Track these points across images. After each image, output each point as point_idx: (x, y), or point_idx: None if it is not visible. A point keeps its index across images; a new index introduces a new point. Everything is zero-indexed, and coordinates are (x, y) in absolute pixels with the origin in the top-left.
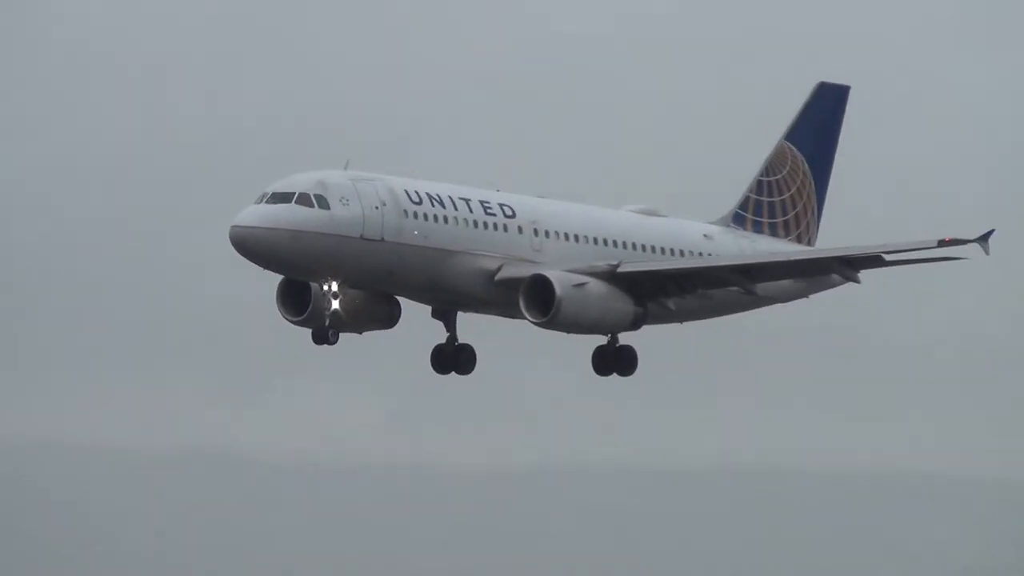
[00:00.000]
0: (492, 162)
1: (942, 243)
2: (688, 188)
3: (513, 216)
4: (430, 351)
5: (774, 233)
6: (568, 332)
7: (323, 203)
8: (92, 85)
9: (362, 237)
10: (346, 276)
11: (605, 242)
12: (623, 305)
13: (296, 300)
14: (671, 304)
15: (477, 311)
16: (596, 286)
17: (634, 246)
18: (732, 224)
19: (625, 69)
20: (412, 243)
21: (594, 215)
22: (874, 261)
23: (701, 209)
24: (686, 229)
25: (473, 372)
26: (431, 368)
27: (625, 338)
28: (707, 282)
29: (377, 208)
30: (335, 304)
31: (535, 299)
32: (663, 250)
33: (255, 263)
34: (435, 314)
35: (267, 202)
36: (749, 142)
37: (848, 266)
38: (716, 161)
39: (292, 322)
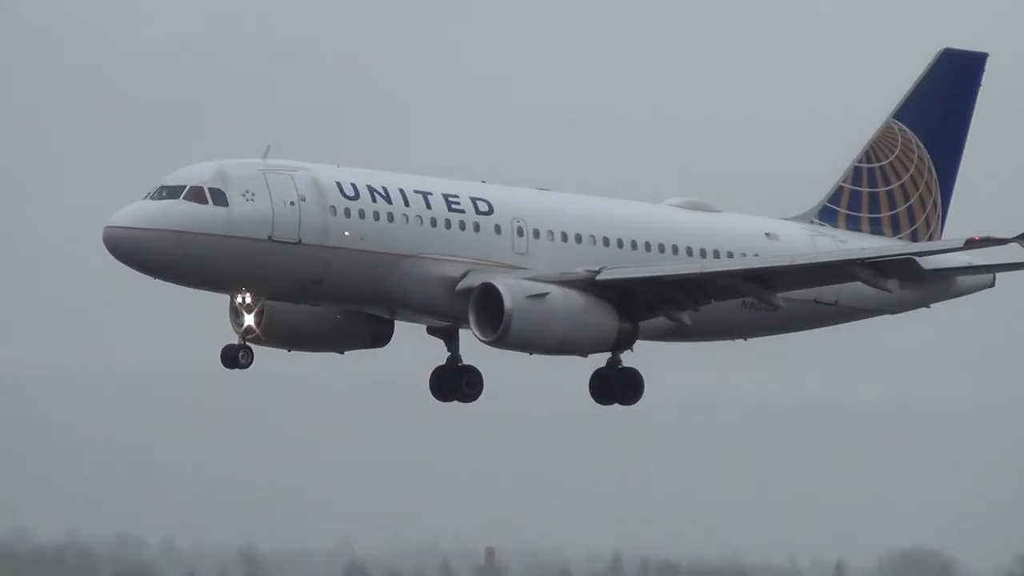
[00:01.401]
0: (516, 155)
1: (971, 243)
2: (772, 176)
3: (489, 212)
4: (429, 374)
5: (876, 230)
6: (529, 352)
7: (220, 198)
8: None
9: (271, 239)
10: (256, 286)
11: (619, 243)
12: (602, 320)
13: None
14: (685, 318)
15: (441, 324)
16: (564, 297)
17: (660, 248)
18: (817, 220)
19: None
20: (343, 246)
21: (604, 210)
22: (906, 268)
23: (788, 202)
24: (741, 226)
25: (478, 399)
26: (431, 394)
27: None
28: (713, 291)
29: (292, 204)
30: (248, 319)
31: (486, 313)
32: (702, 252)
33: (137, 270)
34: (432, 330)
35: (153, 197)
36: (845, 123)
37: (877, 273)
38: (801, 148)
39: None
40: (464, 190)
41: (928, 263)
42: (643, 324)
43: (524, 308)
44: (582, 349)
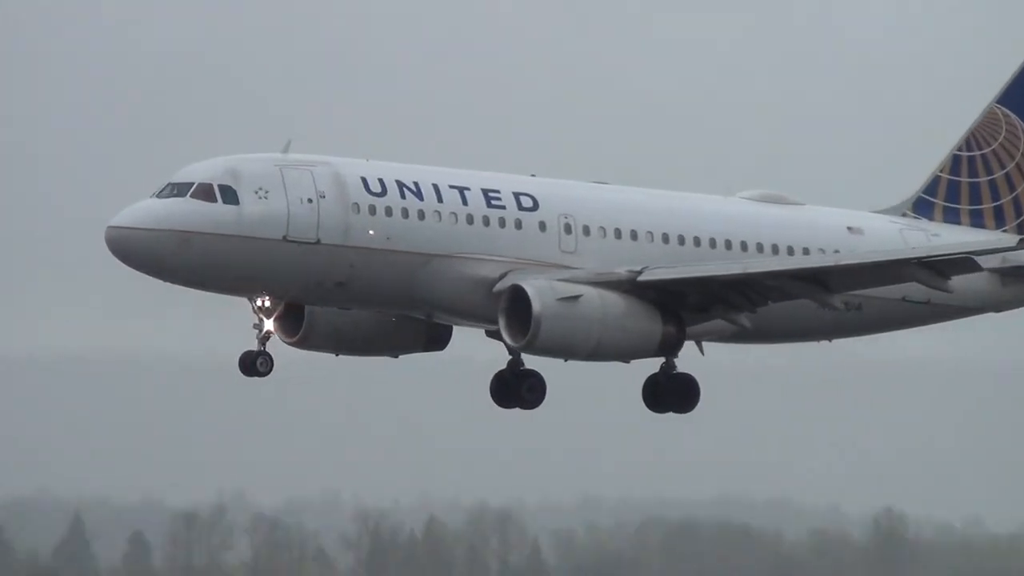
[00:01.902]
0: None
1: None
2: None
3: (534, 208)
4: (489, 380)
5: (977, 223)
6: (564, 359)
7: (230, 196)
8: None
9: (286, 239)
10: (272, 289)
11: (680, 240)
12: (643, 324)
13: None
14: (743, 320)
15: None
16: (600, 300)
17: (727, 244)
18: (911, 213)
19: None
20: (367, 245)
21: (664, 204)
22: (965, 267)
23: (880, 193)
24: (822, 220)
25: (540, 406)
26: (492, 401)
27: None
28: (766, 292)
29: (311, 201)
30: (268, 324)
31: (516, 316)
32: (774, 248)
33: (141, 272)
34: (491, 333)
35: (160, 195)
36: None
37: (934, 273)
38: (894, 135)
39: (287, 343)
40: (507, 185)
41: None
42: (702, 327)
43: (554, 311)
44: (621, 355)
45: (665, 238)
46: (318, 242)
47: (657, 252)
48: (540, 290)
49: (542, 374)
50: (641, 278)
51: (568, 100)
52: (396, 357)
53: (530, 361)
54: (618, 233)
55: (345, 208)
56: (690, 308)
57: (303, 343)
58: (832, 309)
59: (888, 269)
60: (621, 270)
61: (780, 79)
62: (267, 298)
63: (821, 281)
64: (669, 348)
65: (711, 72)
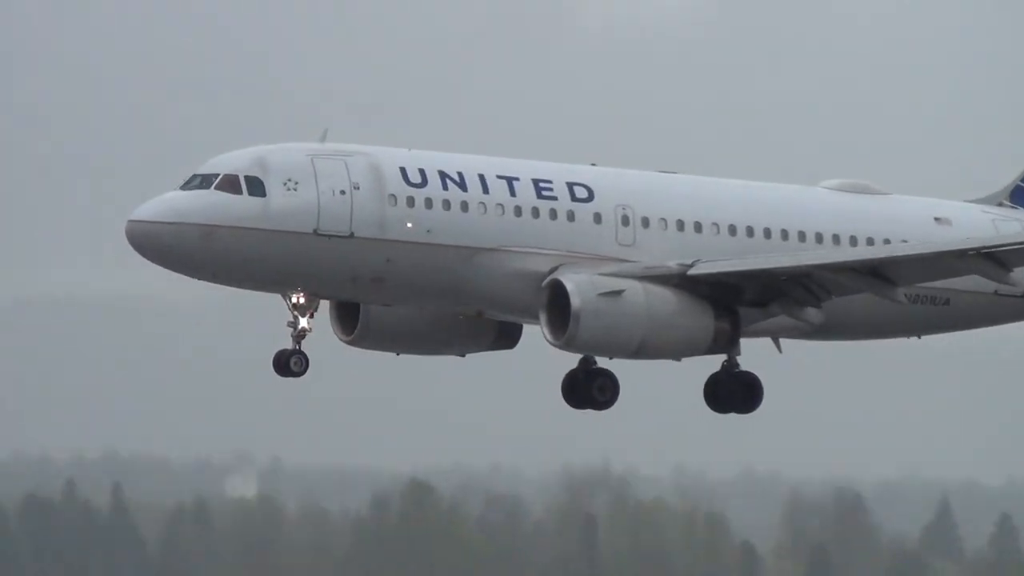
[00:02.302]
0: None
1: None
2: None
3: (589, 199)
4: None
5: None
6: (608, 357)
7: (256, 188)
8: None
9: (316, 232)
10: (303, 285)
11: (748, 231)
12: (692, 320)
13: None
14: (810, 315)
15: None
16: (644, 295)
17: (800, 235)
18: (1007, 202)
19: None
20: (405, 239)
21: (735, 194)
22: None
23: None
24: (907, 210)
25: (612, 406)
26: (564, 402)
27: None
28: (827, 285)
29: (344, 193)
30: (303, 322)
31: (556, 312)
32: (852, 239)
33: (165, 268)
34: None
35: (184, 187)
36: None
37: (996, 264)
38: (992, 122)
39: (344, 342)
40: (561, 174)
41: None
42: (769, 323)
43: (595, 307)
44: (670, 352)
45: (732, 230)
46: (352, 235)
47: (723, 245)
48: (580, 285)
49: (615, 373)
50: (691, 271)
51: (658, 90)
52: (463, 356)
53: (604, 359)
54: (680, 225)
55: (381, 200)
56: (747, 303)
57: (359, 342)
58: (898, 303)
59: (944, 260)
60: (672, 263)
61: (872, 67)
62: (301, 295)
63: (879, 274)
64: (722, 346)
65: (803, 61)
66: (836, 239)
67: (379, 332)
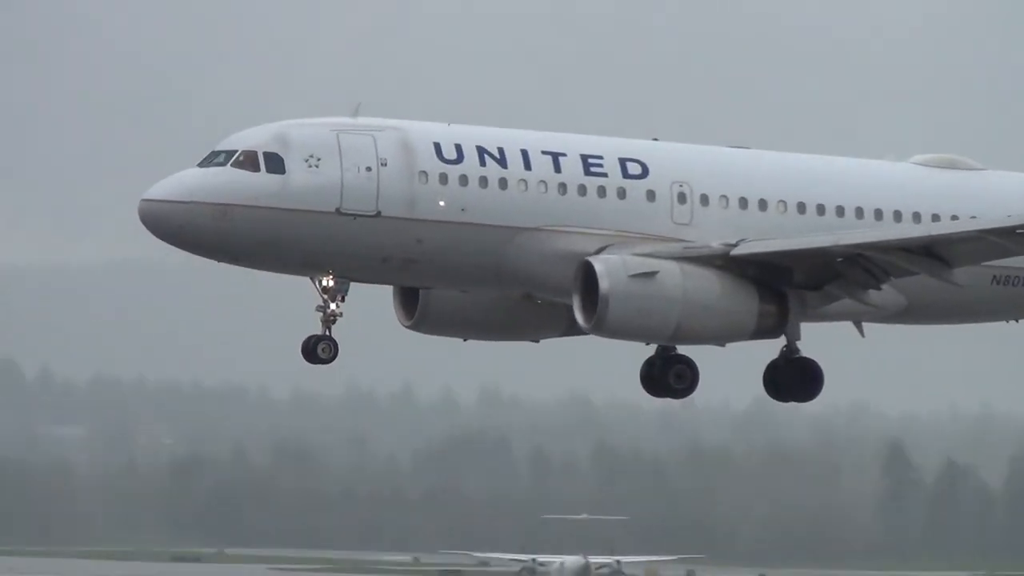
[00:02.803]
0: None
1: None
2: None
3: (642, 175)
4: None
5: None
6: (644, 342)
7: (275, 164)
8: None
9: (339, 211)
10: (328, 266)
11: (819, 209)
12: (735, 303)
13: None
14: (871, 297)
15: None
16: (681, 277)
17: (877, 213)
18: None
19: None
20: (437, 218)
21: (808, 168)
22: None
23: None
24: (1002, 186)
25: (691, 394)
26: (643, 390)
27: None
28: (883, 265)
29: (370, 169)
30: (332, 306)
31: (588, 295)
32: (934, 217)
33: (181, 248)
34: None
35: (203, 164)
36: None
37: None
38: None
39: (405, 327)
40: (614, 150)
41: None
42: (837, 306)
43: (625, 289)
44: (711, 337)
45: (801, 207)
46: (378, 215)
47: (791, 223)
48: (610, 266)
49: (692, 359)
50: (735, 252)
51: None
52: (536, 342)
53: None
54: (743, 202)
55: (411, 177)
56: (800, 285)
57: (419, 327)
58: (954, 285)
59: (995, 239)
60: (716, 243)
61: (980, 38)
62: (330, 278)
63: (933, 253)
64: (770, 330)
65: (906, 26)
66: (917, 217)
67: (438, 317)
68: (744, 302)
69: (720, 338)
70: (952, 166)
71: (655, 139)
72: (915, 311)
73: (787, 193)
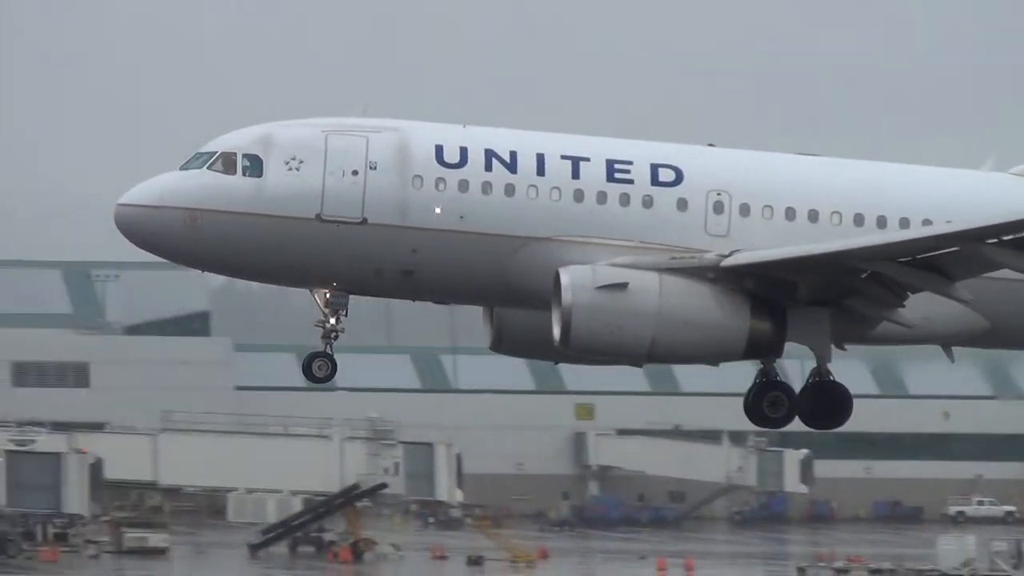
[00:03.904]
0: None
1: None
2: None
3: (675, 183)
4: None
5: None
6: (619, 362)
7: (254, 167)
8: None
9: (319, 218)
10: (316, 278)
11: (879, 221)
12: (720, 318)
13: None
14: (903, 316)
15: None
16: (658, 289)
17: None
18: None
19: None
20: (433, 226)
21: (870, 178)
22: None
23: None
24: None
25: (789, 423)
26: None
27: None
28: (897, 276)
29: (356, 173)
30: (332, 321)
31: (557, 310)
32: None
33: (156, 255)
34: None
35: (184, 166)
36: None
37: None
38: None
39: (489, 348)
40: (647, 155)
41: None
42: (881, 330)
43: (591, 303)
44: (695, 355)
45: (858, 219)
46: (364, 222)
47: (844, 236)
48: (576, 277)
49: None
50: (726, 263)
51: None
52: (639, 367)
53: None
54: (790, 213)
55: (403, 181)
56: (807, 301)
57: (499, 347)
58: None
59: (972, 246)
60: (710, 253)
61: None
62: (327, 290)
63: (933, 266)
64: (762, 350)
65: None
66: None
67: (512, 339)
68: (731, 317)
69: (706, 356)
70: None
71: (711, 144)
72: (1003, 334)
73: (843, 204)
